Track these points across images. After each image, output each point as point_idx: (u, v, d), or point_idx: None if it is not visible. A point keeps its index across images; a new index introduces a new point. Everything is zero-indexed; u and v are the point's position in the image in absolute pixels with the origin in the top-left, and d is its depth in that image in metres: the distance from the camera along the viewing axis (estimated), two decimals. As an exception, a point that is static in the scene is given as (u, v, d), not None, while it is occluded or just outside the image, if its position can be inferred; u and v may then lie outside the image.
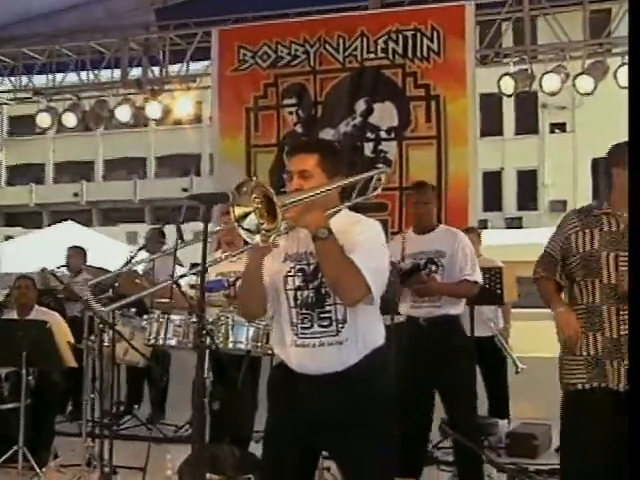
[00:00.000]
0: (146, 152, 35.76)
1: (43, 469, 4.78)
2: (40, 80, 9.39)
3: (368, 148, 7.35)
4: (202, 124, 27.38)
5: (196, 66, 8.93)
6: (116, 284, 4.85)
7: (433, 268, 4.33)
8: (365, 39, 7.35)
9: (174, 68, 8.80)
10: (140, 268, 6.50)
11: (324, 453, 2.93)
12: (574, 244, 3.14)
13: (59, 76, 9.13)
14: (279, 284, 2.64)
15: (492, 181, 28.38)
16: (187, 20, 8.42)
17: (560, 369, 3.20)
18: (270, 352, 4.04)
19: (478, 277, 4.38)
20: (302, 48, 7.53)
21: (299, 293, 2.61)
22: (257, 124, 7.68)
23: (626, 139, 2.99)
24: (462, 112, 7.08)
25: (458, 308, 4.44)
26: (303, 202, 2.44)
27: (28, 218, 34.62)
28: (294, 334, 2.61)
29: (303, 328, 2.60)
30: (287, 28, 7.66)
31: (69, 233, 15.26)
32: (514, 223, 28.79)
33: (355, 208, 2.74)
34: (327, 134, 7.33)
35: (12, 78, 9.30)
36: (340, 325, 2.58)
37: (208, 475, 3.85)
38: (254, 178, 2.45)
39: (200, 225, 2.45)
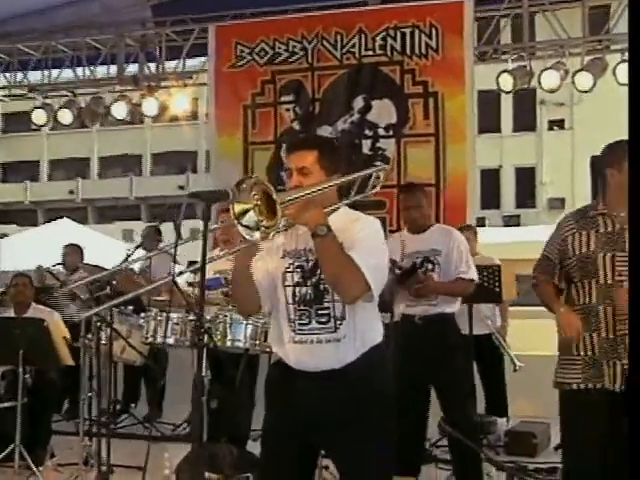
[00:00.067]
0: (142, 149, 35.65)
1: (40, 468, 4.75)
2: (35, 76, 9.34)
3: (366, 145, 7.34)
4: (199, 121, 27.29)
5: (193, 62, 8.92)
6: (113, 282, 4.83)
7: (429, 267, 4.31)
8: (363, 36, 7.33)
9: (171, 64, 8.79)
10: (137, 266, 6.47)
11: (323, 452, 2.91)
12: (571, 246, 3.14)
13: (55, 72, 9.12)
14: (277, 280, 2.64)
15: (490, 178, 28.30)
16: (184, 16, 8.40)
17: (556, 368, 3.19)
18: (268, 350, 4.03)
19: (473, 275, 4.36)
20: (300, 45, 7.50)
21: (297, 289, 2.60)
22: (254, 121, 7.66)
23: (621, 138, 2.98)
24: (460, 109, 7.07)
25: (454, 306, 4.42)
26: (302, 199, 2.43)
27: (23, 216, 34.38)
28: (292, 330, 2.60)
29: (301, 324, 2.59)
30: (284, 24, 7.64)
31: (64, 231, 15.18)
32: (512, 221, 28.69)
33: (353, 206, 2.72)
34: (325, 131, 7.31)
35: (7, 74, 9.28)
36: (338, 322, 2.56)
37: (206, 474, 3.83)
38: (254, 175, 2.43)
39: (196, 223, 2.43)
